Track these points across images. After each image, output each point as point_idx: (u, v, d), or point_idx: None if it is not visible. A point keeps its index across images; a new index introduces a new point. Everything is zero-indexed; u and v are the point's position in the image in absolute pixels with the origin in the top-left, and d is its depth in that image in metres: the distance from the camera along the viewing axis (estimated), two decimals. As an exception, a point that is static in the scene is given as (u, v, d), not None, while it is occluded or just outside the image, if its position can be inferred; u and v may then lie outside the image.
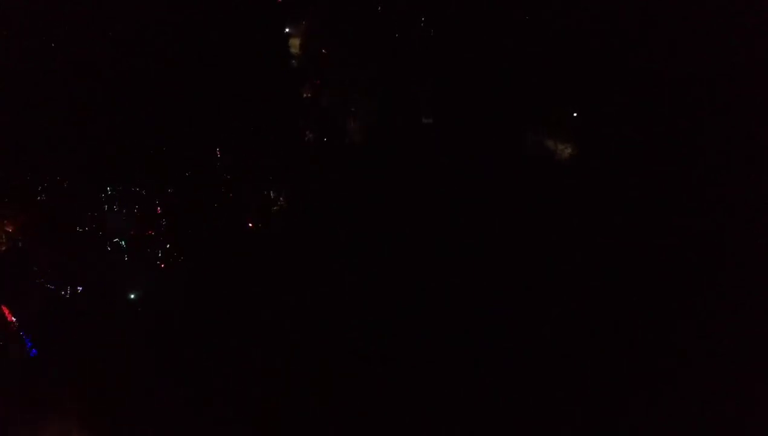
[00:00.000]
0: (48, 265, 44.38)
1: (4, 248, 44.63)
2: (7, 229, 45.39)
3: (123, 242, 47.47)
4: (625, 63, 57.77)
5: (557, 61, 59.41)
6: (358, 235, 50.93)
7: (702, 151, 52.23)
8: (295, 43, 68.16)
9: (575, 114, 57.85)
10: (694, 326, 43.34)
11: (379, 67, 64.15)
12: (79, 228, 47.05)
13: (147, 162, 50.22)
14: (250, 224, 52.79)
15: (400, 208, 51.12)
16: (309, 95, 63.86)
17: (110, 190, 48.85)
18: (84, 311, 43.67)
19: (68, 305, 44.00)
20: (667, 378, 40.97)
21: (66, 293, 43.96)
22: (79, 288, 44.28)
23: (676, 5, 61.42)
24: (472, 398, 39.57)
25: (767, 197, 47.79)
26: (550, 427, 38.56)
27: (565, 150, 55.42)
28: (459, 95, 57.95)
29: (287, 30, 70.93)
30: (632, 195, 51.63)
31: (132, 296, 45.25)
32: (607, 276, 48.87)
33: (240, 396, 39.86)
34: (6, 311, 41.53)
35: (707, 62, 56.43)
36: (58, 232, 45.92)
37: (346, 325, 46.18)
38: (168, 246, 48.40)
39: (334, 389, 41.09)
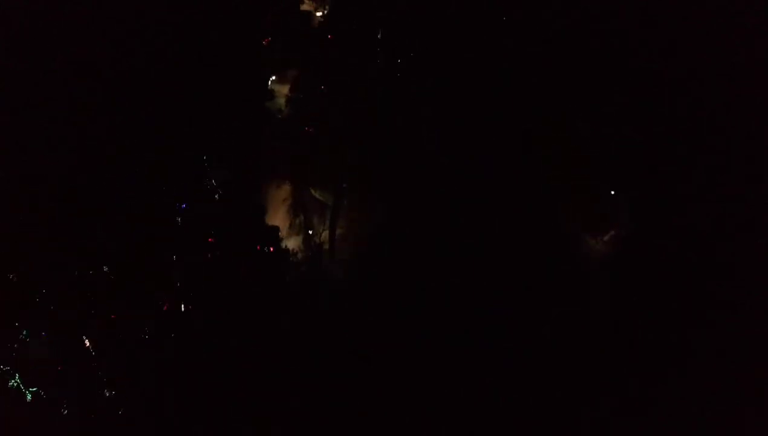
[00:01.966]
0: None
1: None
2: None
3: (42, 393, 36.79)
4: (625, 63, 57.79)
5: (557, 61, 59.42)
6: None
7: (702, 151, 52.21)
8: (281, 91, 64.36)
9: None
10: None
11: (379, 68, 63.93)
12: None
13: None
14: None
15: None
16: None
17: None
18: None
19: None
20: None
21: None
22: None
23: (676, 5, 61.49)
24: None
25: (767, 197, 47.80)
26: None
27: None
28: (459, 95, 57.96)
29: (273, 78, 66.84)
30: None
31: None
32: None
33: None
34: None
35: (707, 62, 56.44)
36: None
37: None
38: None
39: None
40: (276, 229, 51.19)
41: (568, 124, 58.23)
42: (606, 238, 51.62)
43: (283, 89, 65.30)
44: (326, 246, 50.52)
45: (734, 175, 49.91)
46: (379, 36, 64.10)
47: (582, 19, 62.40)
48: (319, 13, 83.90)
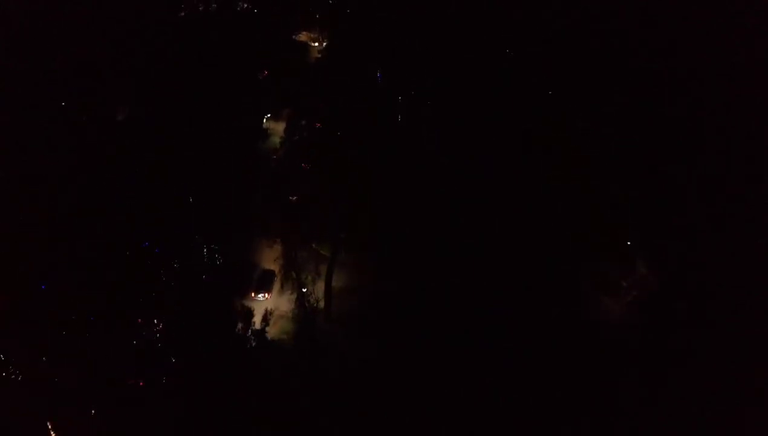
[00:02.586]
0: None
1: None
2: None
3: None
4: (625, 63, 57.72)
5: (557, 61, 59.39)
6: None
7: (702, 150, 52.13)
8: (276, 129, 62.80)
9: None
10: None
11: (379, 70, 63.51)
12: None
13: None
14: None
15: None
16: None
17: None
18: None
19: None
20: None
21: None
22: None
23: (676, 5, 61.43)
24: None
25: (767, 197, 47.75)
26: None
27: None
28: (459, 95, 57.91)
29: (268, 115, 65.83)
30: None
31: None
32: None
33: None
34: None
35: (707, 62, 56.36)
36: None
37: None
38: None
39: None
40: (271, 274, 48.87)
41: (568, 124, 58.22)
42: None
43: (279, 127, 63.83)
44: (321, 304, 46.03)
45: (734, 177, 49.94)
46: (378, 74, 63.49)
47: (582, 19, 62.46)
48: (315, 44, 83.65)
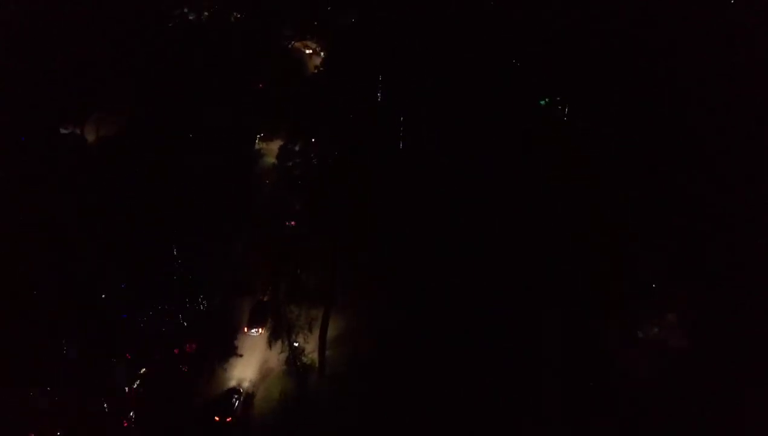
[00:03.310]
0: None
1: None
2: None
3: None
4: (625, 63, 57.69)
5: (557, 61, 59.39)
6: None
7: (702, 150, 52.08)
8: (269, 151, 62.29)
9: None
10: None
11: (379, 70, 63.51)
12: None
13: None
14: None
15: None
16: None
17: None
18: None
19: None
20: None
21: None
22: None
23: (676, 5, 61.37)
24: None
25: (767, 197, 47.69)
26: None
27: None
28: (459, 95, 57.95)
29: (261, 135, 65.12)
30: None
31: None
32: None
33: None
34: None
35: (707, 62, 56.27)
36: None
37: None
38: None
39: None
40: (266, 306, 46.03)
41: (568, 124, 58.12)
42: None
43: (272, 147, 62.74)
44: (315, 356, 42.22)
45: (734, 177, 49.94)
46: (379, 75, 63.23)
47: (582, 19, 62.50)
48: (308, 51, 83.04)
